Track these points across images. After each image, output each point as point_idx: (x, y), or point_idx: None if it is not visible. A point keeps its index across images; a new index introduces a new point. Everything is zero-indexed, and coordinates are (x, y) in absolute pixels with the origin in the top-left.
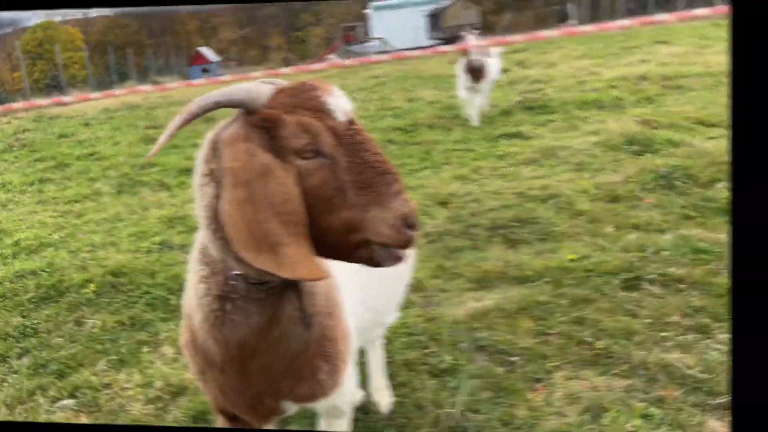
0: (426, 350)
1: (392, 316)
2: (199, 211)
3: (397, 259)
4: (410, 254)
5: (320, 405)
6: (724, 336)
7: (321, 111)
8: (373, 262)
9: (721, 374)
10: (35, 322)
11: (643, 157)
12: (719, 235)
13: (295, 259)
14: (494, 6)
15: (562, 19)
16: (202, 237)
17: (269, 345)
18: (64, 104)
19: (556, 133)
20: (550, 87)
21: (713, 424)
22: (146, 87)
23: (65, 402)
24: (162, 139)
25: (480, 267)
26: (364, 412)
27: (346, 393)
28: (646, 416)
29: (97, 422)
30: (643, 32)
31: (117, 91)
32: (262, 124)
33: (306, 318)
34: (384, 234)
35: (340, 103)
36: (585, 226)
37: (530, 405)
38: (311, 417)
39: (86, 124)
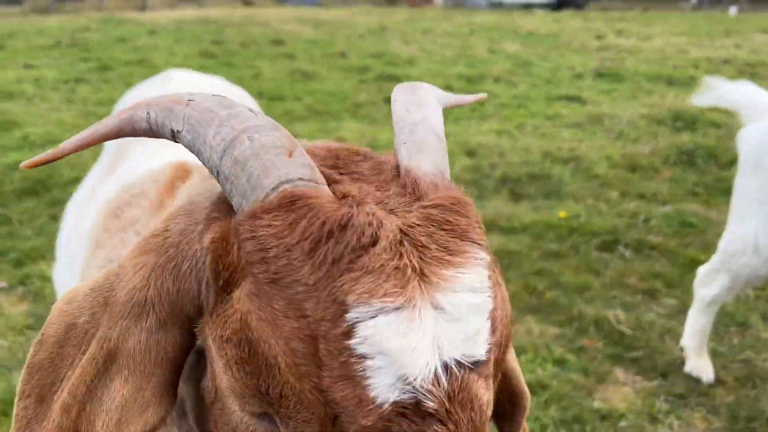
0: None
1: None
2: None
3: None
4: None
5: None
6: (668, 301)
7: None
8: None
9: (648, 332)
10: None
11: (681, 134)
12: (712, 212)
13: None
14: None
15: None
16: None
17: None
18: (142, 9)
19: (615, 101)
20: (634, 58)
21: (620, 373)
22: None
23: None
24: (47, 154)
25: None
26: None
27: None
28: (560, 361)
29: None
30: (755, 19)
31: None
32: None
33: None
34: None
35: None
36: (594, 189)
37: None
38: None
39: (151, 32)
